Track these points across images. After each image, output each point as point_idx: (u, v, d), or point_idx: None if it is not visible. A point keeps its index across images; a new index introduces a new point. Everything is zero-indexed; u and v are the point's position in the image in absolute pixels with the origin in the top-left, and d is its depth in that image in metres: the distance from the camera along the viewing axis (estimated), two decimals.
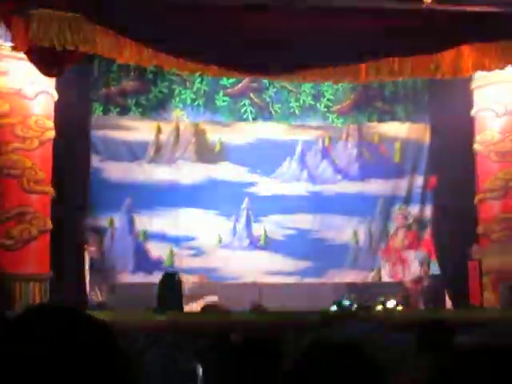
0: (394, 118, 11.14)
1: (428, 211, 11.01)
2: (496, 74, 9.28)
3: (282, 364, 2.50)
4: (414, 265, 10.26)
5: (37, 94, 9.12)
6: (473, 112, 9.93)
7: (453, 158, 10.11)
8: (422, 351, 3.98)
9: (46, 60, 8.43)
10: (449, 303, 9.61)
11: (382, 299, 8.56)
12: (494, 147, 9.70)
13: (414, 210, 11.03)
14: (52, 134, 9.22)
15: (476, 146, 9.85)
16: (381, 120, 11.15)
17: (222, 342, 4.28)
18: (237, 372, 2.52)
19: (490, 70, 8.76)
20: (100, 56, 9.14)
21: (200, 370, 4.35)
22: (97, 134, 10.57)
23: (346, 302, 8.19)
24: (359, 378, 1.61)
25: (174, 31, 8.16)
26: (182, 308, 7.33)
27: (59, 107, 9.34)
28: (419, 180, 11.21)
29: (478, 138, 9.85)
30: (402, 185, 11.27)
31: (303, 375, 1.61)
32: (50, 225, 9.12)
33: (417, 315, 5.60)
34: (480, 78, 9.66)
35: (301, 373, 1.62)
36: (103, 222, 10.63)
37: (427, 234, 10.37)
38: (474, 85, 9.87)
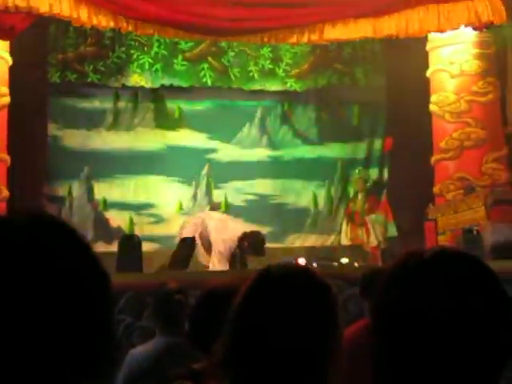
0: (352, 80, 11.20)
1: (386, 174, 11.17)
2: (450, 35, 9.41)
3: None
4: (373, 228, 10.35)
5: None
6: (428, 73, 10.04)
7: (409, 120, 10.24)
8: (364, 298, 4.11)
9: None
10: None
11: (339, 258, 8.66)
12: (449, 108, 9.83)
13: (374, 173, 11.16)
14: (7, 100, 9.06)
15: (431, 107, 9.98)
16: (340, 82, 11.20)
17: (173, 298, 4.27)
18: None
19: (443, 30, 8.87)
20: (56, 20, 9.03)
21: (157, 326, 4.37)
22: (54, 101, 10.46)
23: (302, 260, 8.25)
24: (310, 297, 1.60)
25: None
26: (142, 269, 7.31)
27: (15, 73, 9.19)
28: (378, 143, 11.35)
29: (433, 98, 9.97)
30: (361, 148, 11.40)
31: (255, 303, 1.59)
32: (6, 193, 8.99)
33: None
34: (435, 39, 9.77)
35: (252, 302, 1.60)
36: (61, 190, 10.54)
37: (384, 197, 10.49)
38: (429, 46, 9.97)
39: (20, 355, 0.87)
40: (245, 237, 7.86)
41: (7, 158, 9.07)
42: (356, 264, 8.34)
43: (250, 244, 7.81)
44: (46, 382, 0.87)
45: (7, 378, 0.86)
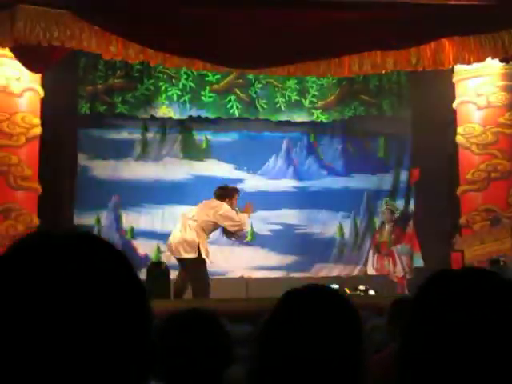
0: (378, 111, 11.25)
1: (412, 205, 11.17)
2: (477, 66, 9.46)
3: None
4: (400, 259, 10.35)
5: (23, 90, 9.17)
6: (455, 105, 10.09)
7: (436, 151, 10.26)
8: (392, 325, 4.12)
9: (31, 56, 8.50)
10: None
11: (362, 287, 8.67)
12: (476, 139, 9.86)
13: (400, 204, 11.16)
14: (38, 130, 9.27)
15: (458, 139, 10.01)
16: (366, 114, 11.27)
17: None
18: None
19: (469, 63, 8.91)
20: (86, 53, 9.24)
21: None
22: (83, 132, 10.64)
23: (335, 286, 8.27)
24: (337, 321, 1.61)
25: (161, 26, 8.24)
26: (170, 296, 7.38)
27: (46, 105, 9.40)
28: (404, 174, 11.38)
29: (459, 130, 10.00)
30: (387, 179, 11.43)
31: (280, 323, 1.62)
32: (36, 221, 9.14)
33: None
34: (461, 71, 9.82)
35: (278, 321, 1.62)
36: (90, 219, 10.66)
37: (410, 228, 10.48)
38: (455, 78, 10.03)
39: (61, 365, 0.93)
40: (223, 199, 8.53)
41: (38, 187, 9.25)
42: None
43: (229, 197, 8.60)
44: None
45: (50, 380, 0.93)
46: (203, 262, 8.30)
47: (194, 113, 10.86)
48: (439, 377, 1.17)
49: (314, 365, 1.51)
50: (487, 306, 1.19)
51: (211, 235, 10.89)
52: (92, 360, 0.94)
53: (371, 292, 8.61)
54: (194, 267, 8.19)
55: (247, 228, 8.86)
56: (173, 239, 8.50)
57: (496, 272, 1.27)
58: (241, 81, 10.88)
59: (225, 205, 8.50)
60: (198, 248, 8.25)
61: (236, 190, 8.86)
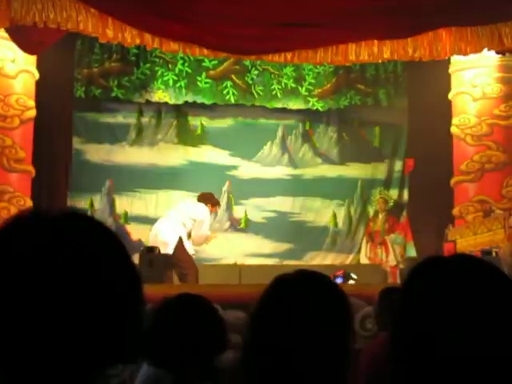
0: (375, 101, 11.23)
1: (406, 195, 11.19)
2: (473, 58, 9.45)
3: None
4: (392, 248, 10.39)
5: (18, 72, 9.13)
6: (450, 95, 10.10)
7: (430, 142, 10.27)
8: (382, 314, 4.14)
9: (26, 38, 8.45)
10: None
11: (353, 276, 8.70)
12: (471, 130, 9.88)
13: (394, 194, 11.18)
14: (33, 113, 9.24)
15: (453, 129, 10.03)
16: (362, 103, 11.25)
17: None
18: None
19: (466, 54, 8.90)
20: (82, 36, 9.19)
21: None
22: (78, 115, 10.60)
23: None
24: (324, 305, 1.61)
25: (158, 9, 8.20)
26: (163, 281, 7.40)
27: (41, 87, 9.37)
28: (398, 164, 11.39)
29: (454, 121, 10.02)
30: (382, 169, 11.44)
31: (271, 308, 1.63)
32: (29, 204, 9.13)
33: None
34: (458, 62, 9.83)
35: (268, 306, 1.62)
36: (83, 203, 10.65)
37: (404, 217, 10.51)
38: (451, 68, 10.04)
39: (53, 342, 0.93)
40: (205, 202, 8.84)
41: (32, 169, 9.23)
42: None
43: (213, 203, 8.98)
44: (78, 364, 0.94)
45: (44, 357, 0.93)
46: (184, 249, 8.42)
47: (189, 98, 10.82)
48: (431, 366, 1.17)
49: (304, 349, 1.52)
50: (476, 291, 1.19)
51: None
52: (81, 339, 0.95)
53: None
54: (176, 256, 8.32)
55: (205, 244, 9.12)
56: (154, 239, 8.60)
57: (484, 259, 1.27)
58: (237, 67, 10.83)
59: (205, 213, 8.67)
60: (179, 239, 8.40)
61: (218, 203, 9.31)
